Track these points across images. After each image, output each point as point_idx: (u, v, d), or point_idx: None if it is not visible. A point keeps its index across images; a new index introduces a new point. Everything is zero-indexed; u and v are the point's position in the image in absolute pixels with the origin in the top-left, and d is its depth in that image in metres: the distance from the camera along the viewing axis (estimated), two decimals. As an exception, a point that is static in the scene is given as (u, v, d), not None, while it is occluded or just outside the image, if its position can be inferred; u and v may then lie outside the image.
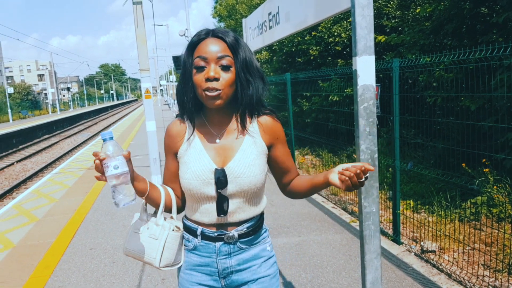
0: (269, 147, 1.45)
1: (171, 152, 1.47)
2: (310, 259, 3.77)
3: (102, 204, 5.94)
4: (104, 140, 1.21)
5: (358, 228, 4.51)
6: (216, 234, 1.42)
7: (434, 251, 3.83)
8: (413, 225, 4.41)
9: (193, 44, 1.34)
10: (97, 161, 1.18)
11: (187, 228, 1.48)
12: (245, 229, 1.44)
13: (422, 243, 3.95)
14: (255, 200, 1.45)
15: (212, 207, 1.39)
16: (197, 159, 1.39)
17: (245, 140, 1.41)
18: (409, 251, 3.92)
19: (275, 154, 1.46)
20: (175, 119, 1.51)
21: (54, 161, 13.55)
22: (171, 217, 1.47)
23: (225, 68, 1.30)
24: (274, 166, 1.49)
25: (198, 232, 1.44)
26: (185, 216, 1.53)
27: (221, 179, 1.35)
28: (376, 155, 1.71)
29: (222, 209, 1.38)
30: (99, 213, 5.51)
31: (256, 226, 1.47)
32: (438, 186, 5.34)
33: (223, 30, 1.35)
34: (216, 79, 1.28)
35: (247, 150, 1.39)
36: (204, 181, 1.36)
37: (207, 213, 1.41)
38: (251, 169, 1.37)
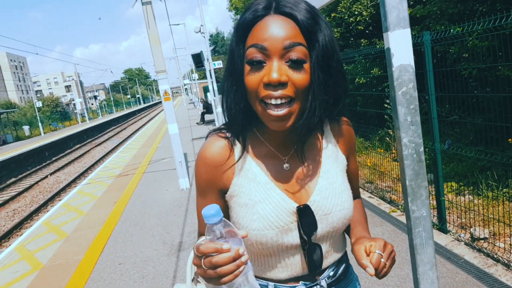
0: (346, 161, 1.06)
1: (214, 188, 0.99)
2: (350, 258, 3.50)
3: (131, 214, 5.84)
4: (213, 223, 0.75)
5: (399, 218, 4.21)
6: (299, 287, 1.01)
7: (486, 238, 3.50)
8: (459, 210, 4.07)
9: (246, 24, 0.86)
10: (224, 257, 0.72)
11: None
12: (333, 273, 1.05)
13: (471, 230, 3.61)
14: (341, 238, 1.08)
15: (295, 260, 0.98)
16: (266, 197, 0.94)
17: (324, 158, 1.00)
18: (458, 240, 3.59)
19: (348, 171, 1.07)
20: (210, 137, 1.00)
21: (86, 170, 13.75)
22: None
23: (296, 65, 0.83)
24: None
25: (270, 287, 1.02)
26: None
27: (307, 223, 0.93)
28: (421, 149, 1.43)
29: (314, 264, 0.98)
30: (128, 223, 5.40)
31: (346, 266, 1.10)
32: (481, 164, 4.95)
33: (292, 1, 0.86)
34: (282, 84, 0.82)
35: (331, 171, 0.99)
36: (282, 229, 0.93)
37: (287, 267, 0.99)
38: (343, 198, 0.98)
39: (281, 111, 0.83)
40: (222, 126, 1.01)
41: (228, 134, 0.98)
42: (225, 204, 1.01)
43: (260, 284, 1.02)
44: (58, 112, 56.54)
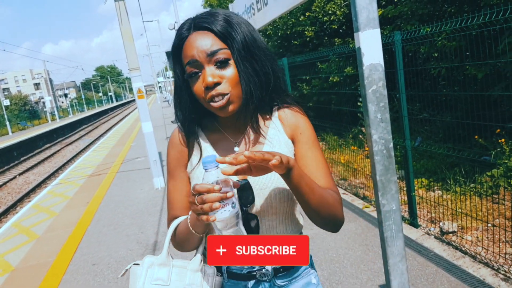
0: (294, 145, 1.16)
1: (181, 165, 1.19)
2: (325, 253, 3.56)
3: (104, 214, 5.72)
4: (208, 168, 0.92)
5: (372, 214, 4.31)
6: (245, 271, 1.13)
7: (455, 232, 3.62)
8: (429, 205, 4.20)
9: (177, 47, 1.06)
10: (214, 196, 0.88)
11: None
12: None
13: (441, 224, 3.74)
14: (289, 219, 1.16)
15: (237, 231, 1.09)
16: None
17: (268, 142, 1.14)
18: (428, 234, 3.71)
19: (299, 156, 1.14)
20: (178, 126, 1.24)
21: (56, 170, 13.40)
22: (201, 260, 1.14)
23: (222, 64, 1.02)
24: None
25: (223, 268, 1.15)
26: (204, 247, 1.20)
27: (246, 196, 1.07)
28: (391, 145, 1.48)
29: (250, 230, 1.09)
30: (101, 223, 5.30)
31: None
32: (450, 161, 5.12)
33: (206, 15, 1.05)
34: (217, 84, 1.01)
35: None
36: None
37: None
38: (278, 176, 1.05)
39: (220, 102, 1.02)
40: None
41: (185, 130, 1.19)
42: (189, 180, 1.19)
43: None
44: (27, 111, 54.85)
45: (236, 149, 1.15)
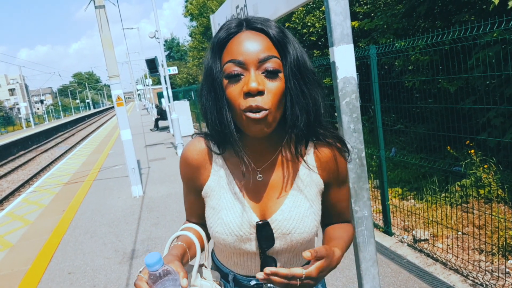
0: (325, 186, 1.06)
1: (193, 187, 1.08)
2: (301, 260, 3.62)
3: (81, 222, 5.63)
4: (154, 270, 0.81)
5: (348, 222, 4.39)
6: (253, 283, 1.08)
7: (427, 239, 3.74)
8: (403, 214, 4.32)
9: (221, 42, 0.92)
10: None
11: (216, 268, 1.16)
12: None
13: (414, 232, 3.85)
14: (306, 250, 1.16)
15: (252, 264, 1.06)
16: (231, 206, 1.00)
17: (297, 179, 1.02)
18: (402, 242, 3.81)
19: (327, 196, 1.08)
20: (193, 138, 1.07)
21: (31, 178, 13.06)
22: (203, 265, 1.11)
23: (271, 75, 0.88)
24: (321, 206, 1.10)
25: (230, 278, 1.11)
26: (213, 252, 1.19)
27: (266, 237, 0.99)
28: (363, 154, 1.56)
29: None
30: (78, 232, 5.22)
31: None
32: (423, 171, 5.27)
33: (261, 19, 0.93)
34: (261, 93, 0.86)
35: (300, 194, 1.01)
36: (241, 238, 1.00)
37: (246, 267, 1.07)
38: (305, 222, 0.99)
39: (259, 115, 0.86)
40: (208, 132, 1.03)
41: (211, 139, 1.04)
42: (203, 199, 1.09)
43: (223, 271, 1.13)
44: (1, 117, 53.42)
45: (259, 177, 1.01)
